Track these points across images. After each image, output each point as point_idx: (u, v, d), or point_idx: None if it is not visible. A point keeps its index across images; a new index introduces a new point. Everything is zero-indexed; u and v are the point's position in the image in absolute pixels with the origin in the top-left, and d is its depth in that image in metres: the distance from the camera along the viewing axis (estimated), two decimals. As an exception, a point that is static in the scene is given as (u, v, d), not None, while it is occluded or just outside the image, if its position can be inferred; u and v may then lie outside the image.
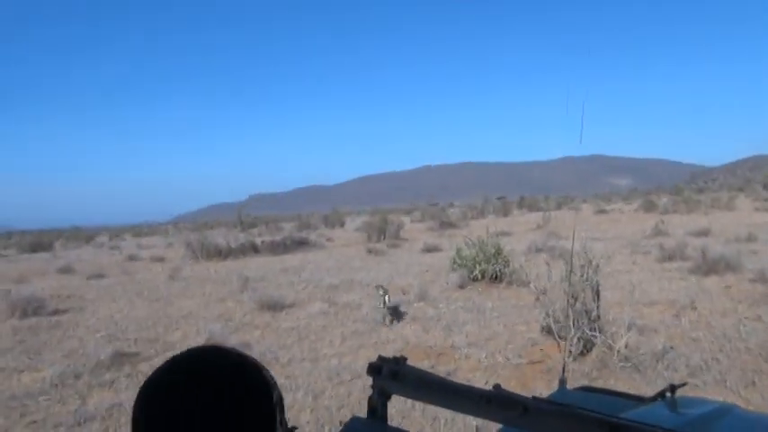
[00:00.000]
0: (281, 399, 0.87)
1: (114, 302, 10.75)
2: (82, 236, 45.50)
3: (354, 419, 1.11)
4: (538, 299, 6.64)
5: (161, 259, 19.44)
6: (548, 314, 6.19)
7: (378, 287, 8.06)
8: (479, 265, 10.03)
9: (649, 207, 31.00)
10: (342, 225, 35.59)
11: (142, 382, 0.84)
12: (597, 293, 5.95)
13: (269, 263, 16.33)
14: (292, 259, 16.87)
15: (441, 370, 5.53)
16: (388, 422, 1.12)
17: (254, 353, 6.49)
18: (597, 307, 5.85)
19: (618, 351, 5.36)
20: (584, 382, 4.70)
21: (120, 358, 6.51)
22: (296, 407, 4.76)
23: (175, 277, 13.79)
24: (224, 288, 11.66)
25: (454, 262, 10.82)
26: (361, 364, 5.85)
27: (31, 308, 9.62)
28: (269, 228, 34.97)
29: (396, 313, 8.07)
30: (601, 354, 5.48)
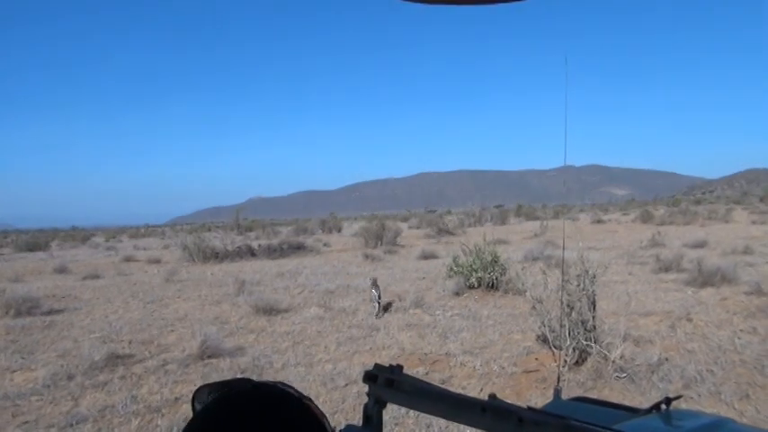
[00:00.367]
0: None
1: (109, 303, 10.72)
2: (78, 236, 45.50)
3: (349, 428, 1.10)
4: (534, 308, 6.64)
5: (157, 261, 19.41)
6: (543, 323, 6.19)
7: (371, 280, 9.06)
8: (476, 272, 10.03)
9: (646, 218, 31.10)
10: (339, 230, 35.61)
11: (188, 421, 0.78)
12: (593, 303, 5.95)
13: (265, 267, 16.31)
14: (289, 263, 16.85)
15: (435, 377, 5.52)
16: (383, 430, 1.12)
17: (249, 357, 6.51)
18: (593, 317, 5.85)
19: (613, 361, 5.36)
20: (579, 392, 4.70)
21: (114, 360, 6.48)
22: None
23: (171, 279, 13.76)
24: (220, 291, 11.64)
25: (451, 269, 10.81)
26: (356, 370, 5.84)
27: (26, 307, 9.59)
28: (266, 231, 34.96)
29: (386, 307, 8.91)
30: (596, 364, 5.47)
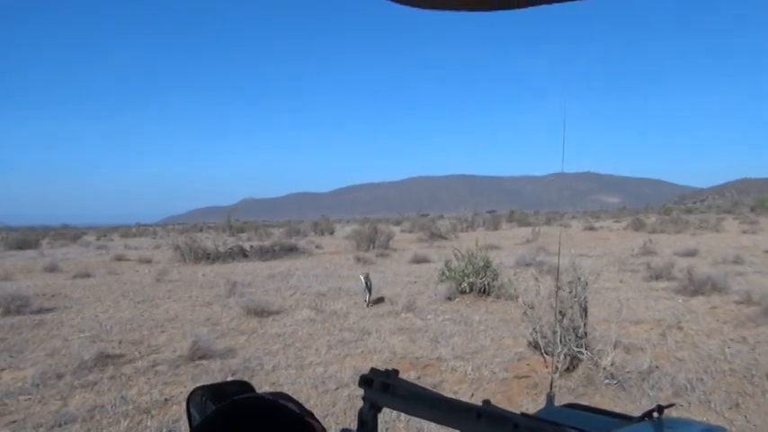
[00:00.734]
0: None
1: (99, 303, 10.66)
2: (69, 234, 45.20)
3: None
4: (525, 313, 6.65)
5: (148, 261, 19.32)
6: (535, 329, 6.20)
7: (362, 276, 9.80)
8: (468, 277, 10.04)
9: (638, 226, 31.25)
10: (331, 233, 35.56)
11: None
12: (585, 310, 5.97)
13: (257, 268, 16.27)
14: (280, 265, 16.82)
15: (427, 382, 5.52)
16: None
17: (240, 359, 6.49)
18: (584, 324, 5.87)
19: (604, 368, 5.38)
20: (570, 399, 4.71)
21: (103, 360, 6.44)
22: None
23: (162, 279, 13.70)
24: (211, 292, 11.60)
25: (443, 274, 10.82)
26: (348, 374, 5.83)
27: (15, 306, 9.52)
28: (258, 233, 34.90)
29: (377, 301, 9.80)
30: (587, 370, 5.49)
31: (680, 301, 9.20)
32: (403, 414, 4.44)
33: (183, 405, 1.05)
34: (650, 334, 7.13)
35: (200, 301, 10.62)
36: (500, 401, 4.91)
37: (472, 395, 5.16)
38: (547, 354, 5.92)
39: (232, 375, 5.89)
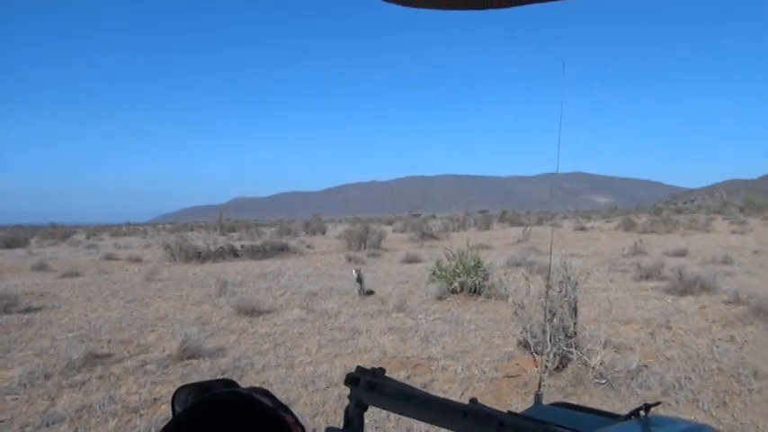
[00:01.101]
0: None
1: (89, 302, 10.60)
2: (58, 233, 44.94)
3: (330, 430, 1.10)
4: (516, 313, 6.67)
5: (138, 260, 19.24)
6: (525, 329, 6.22)
7: (354, 270, 10.72)
8: (459, 277, 10.06)
9: (628, 226, 31.41)
10: (323, 232, 35.52)
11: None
12: (575, 310, 5.99)
13: (248, 267, 16.23)
14: (271, 265, 16.78)
15: (417, 381, 5.52)
16: (364, 433, 1.11)
17: (230, 358, 6.47)
18: (574, 323, 5.89)
19: (593, 368, 5.40)
20: (559, 398, 4.72)
21: (92, 359, 6.40)
22: (269, 414, 4.71)
23: (152, 278, 13.65)
24: (201, 291, 11.56)
25: (434, 273, 10.83)
26: (338, 373, 5.82)
27: (2, 305, 9.46)
28: (249, 232, 34.83)
29: (368, 293, 10.63)
30: (576, 370, 5.51)
31: (669, 300, 9.25)
32: (393, 414, 4.45)
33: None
34: (640, 333, 7.16)
35: (191, 300, 10.58)
36: (489, 401, 4.92)
37: (462, 394, 5.17)
38: (536, 353, 5.94)
39: (222, 375, 5.87)
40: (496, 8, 0.74)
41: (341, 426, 1.11)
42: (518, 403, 4.88)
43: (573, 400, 4.25)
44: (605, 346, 5.77)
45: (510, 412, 1.00)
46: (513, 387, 5.39)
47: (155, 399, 5.27)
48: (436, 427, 1.01)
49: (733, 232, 25.37)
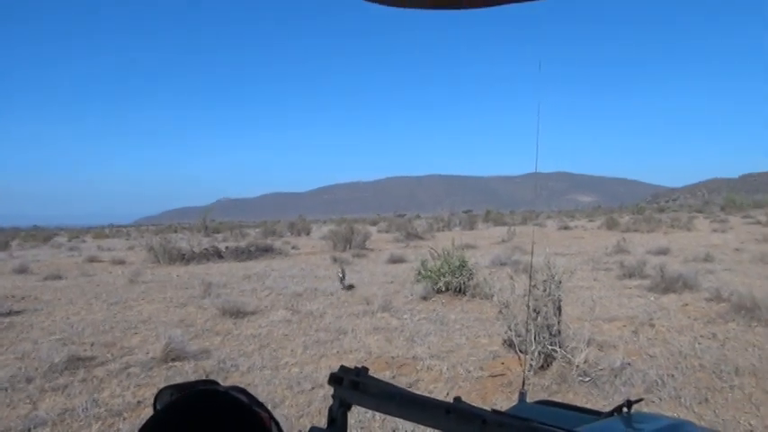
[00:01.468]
0: None
1: (71, 305, 10.49)
2: (40, 236, 44.47)
3: (313, 429, 1.10)
4: (500, 312, 6.70)
5: (121, 262, 19.08)
6: (510, 328, 6.25)
7: (338, 272, 11.33)
8: (444, 277, 10.08)
9: (612, 225, 31.65)
10: (307, 233, 35.44)
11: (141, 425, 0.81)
12: (559, 308, 6.02)
13: (232, 269, 16.15)
14: (256, 266, 16.71)
15: (402, 381, 5.53)
16: (348, 433, 1.11)
17: (214, 360, 6.44)
18: (558, 322, 5.93)
19: (577, 366, 5.43)
20: (544, 396, 4.75)
21: (74, 362, 6.34)
22: (255, 415, 4.69)
23: (136, 281, 13.54)
24: (185, 293, 11.49)
25: (419, 273, 10.84)
26: (323, 374, 5.81)
27: (-17, 308, 9.35)
28: (234, 233, 34.65)
29: (349, 287, 11.28)
30: (560, 368, 5.54)
31: (652, 298, 9.34)
32: (378, 413, 4.45)
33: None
34: (623, 331, 7.22)
35: (175, 302, 10.51)
36: (474, 399, 4.94)
37: (447, 394, 5.18)
38: (521, 352, 5.97)
39: (206, 377, 5.83)
40: (473, 8, 0.75)
41: (325, 425, 1.11)
42: (503, 402, 4.90)
43: (557, 399, 4.27)
44: (589, 344, 5.81)
45: (494, 410, 1.00)
46: (498, 386, 5.41)
47: (138, 402, 5.23)
48: (422, 427, 1.01)
49: (714, 231, 25.66)
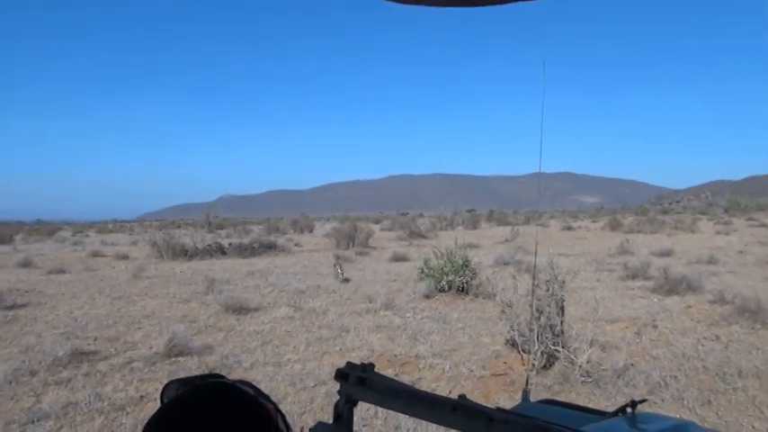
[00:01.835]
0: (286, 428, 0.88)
1: (75, 299, 10.52)
2: (44, 230, 44.59)
3: (320, 424, 1.10)
4: (503, 312, 6.69)
5: (125, 257, 19.11)
6: (512, 327, 6.25)
7: (335, 264, 12.09)
8: (447, 276, 10.08)
9: (615, 226, 31.59)
10: (311, 230, 35.48)
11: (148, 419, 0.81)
12: (562, 308, 6.02)
13: (236, 265, 16.17)
14: (259, 263, 16.74)
15: (404, 379, 5.53)
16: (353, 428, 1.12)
17: (217, 355, 6.45)
18: (561, 322, 5.92)
19: (580, 366, 5.43)
20: (546, 396, 4.75)
21: (78, 356, 6.37)
22: (257, 412, 4.70)
23: (139, 276, 13.57)
24: (189, 289, 11.51)
25: (422, 272, 10.84)
26: (326, 371, 5.82)
27: (-12, 301, 9.38)
28: (237, 230, 34.71)
29: (345, 280, 11.82)
30: (563, 368, 5.54)
31: (655, 300, 9.32)
32: (381, 411, 4.45)
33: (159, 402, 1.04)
34: (626, 332, 7.22)
35: (178, 297, 10.53)
36: (477, 398, 4.93)
37: (450, 392, 5.18)
38: (524, 351, 5.96)
39: (209, 372, 5.85)
40: (483, 6, 0.75)
41: (330, 421, 1.11)
42: (506, 401, 4.90)
43: (560, 398, 4.28)
44: (592, 344, 5.81)
45: (499, 408, 1.00)
46: (500, 385, 5.41)
47: (141, 396, 5.24)
48: (424, 425, 1.02)
49: (718, 233, 25.61)
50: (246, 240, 22.37)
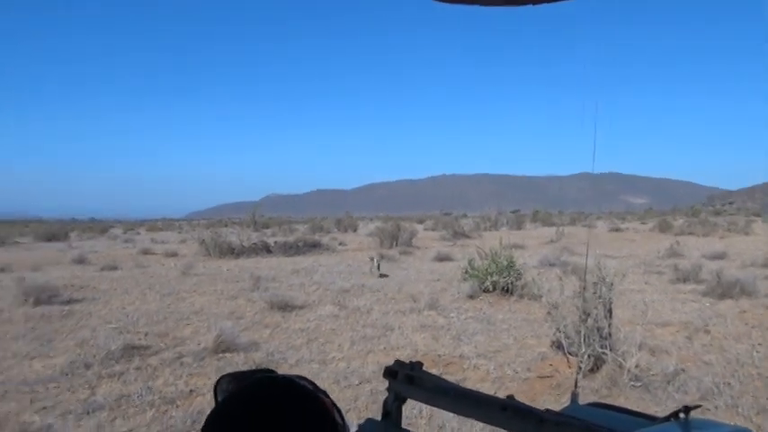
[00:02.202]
0: (343, 423, 0.89)
1: (126, 295, 10.82)
2: (97, 228, 46.00)
3: (369, 421, 1.12)
4: (549, 313, 6.61)
5: (174, 254, 19.54)
6: (558, 329, 6.16)
7: (371, 258, 12.61)
8: (491, 276, 10.00)
9: (664, 227, 30.75)
10: (354, 230, 35.63)
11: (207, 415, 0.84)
12: (609, 311, 5.91)
13: (281, 263, 16.36)
14: (304, 261, 16.90)
15: (449, 379, 5.50)
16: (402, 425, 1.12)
17: (263, 352, 6.55)
18: (609, 325, 5.82)
19: (628, 370, 5.32)
20: (594, 399, 4.67)
21: (130, 350, 6.55)
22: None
23: (188, 273, 13.86)
24: (235, 286, 11.71)
25: (466, 272, 10.78)
26: (370, 369, 5.85)
27: (45, 296, 9.72)
28: (282, 229, 35.12)
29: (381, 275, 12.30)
30: (611, 372, 5.44)
31: (707, 304, 9.06)
32: (425, 410, 4.46)
33: (208, 396, 1.06)
34: (676, 337, 7.04)
35: (225, 294, 10.72)
36: (522, 400, 4.87)
37: (494, 393, 5.13)
38: (570, 354, 5.88)
39: (256, 368, 5.94)
40: (536, 4, 0.75)
41: (379, 418, 1.13)
42: (551, 404, 4.84)
43: (608, 402, 4.20)
44: (641, 348, 5.68)
45: (548, 410, 1.00)
46: (546, 387, 5.35)
47: (191, 390, 5.37)
48: (469, 425, 1.02)
49: (774, 235, 24.70)
50: (291, 239, 22.60)
